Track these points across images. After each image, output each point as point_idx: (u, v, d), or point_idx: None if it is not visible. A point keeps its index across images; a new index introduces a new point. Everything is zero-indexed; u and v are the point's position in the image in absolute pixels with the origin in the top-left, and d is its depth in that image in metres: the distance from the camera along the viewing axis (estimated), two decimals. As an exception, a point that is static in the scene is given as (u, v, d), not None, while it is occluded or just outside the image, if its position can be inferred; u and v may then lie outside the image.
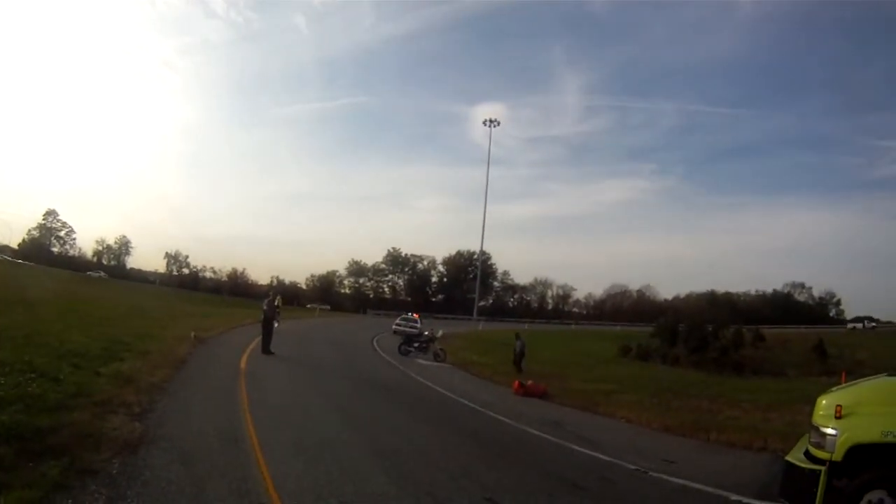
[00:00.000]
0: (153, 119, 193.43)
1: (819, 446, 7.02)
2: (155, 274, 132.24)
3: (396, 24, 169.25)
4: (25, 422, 7.76)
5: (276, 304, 23.82)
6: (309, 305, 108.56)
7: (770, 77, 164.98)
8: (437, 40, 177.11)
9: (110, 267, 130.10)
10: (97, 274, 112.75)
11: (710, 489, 9.09)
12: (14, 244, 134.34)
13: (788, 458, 7.52)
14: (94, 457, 7.17)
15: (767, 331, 59.59)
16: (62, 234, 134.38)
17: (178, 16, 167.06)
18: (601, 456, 11.26)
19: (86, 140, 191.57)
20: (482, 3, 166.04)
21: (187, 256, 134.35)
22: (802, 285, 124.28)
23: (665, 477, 9.83)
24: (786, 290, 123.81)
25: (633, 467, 10.42)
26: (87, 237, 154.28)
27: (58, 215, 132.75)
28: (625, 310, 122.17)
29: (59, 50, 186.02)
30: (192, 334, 23.36)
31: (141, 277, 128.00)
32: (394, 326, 47.03)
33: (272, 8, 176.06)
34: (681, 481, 9.55)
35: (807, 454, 7.27)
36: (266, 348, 22.03)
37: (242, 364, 18.54)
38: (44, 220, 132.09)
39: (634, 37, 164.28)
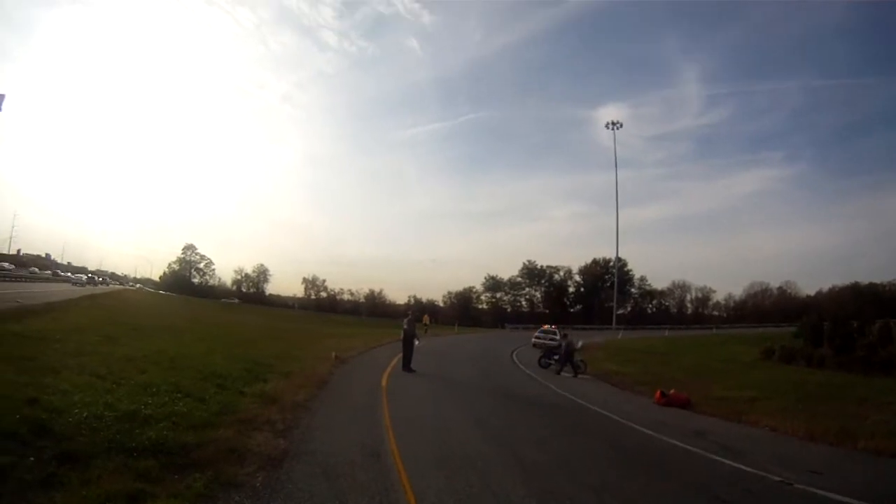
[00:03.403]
0: (280, 151, 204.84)
1: None
2: (293, 299, 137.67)
3: (507, 35, 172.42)
4: (172, 437, 8.06)
5: (424, 322, 23.95)
6: (224, 300, 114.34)
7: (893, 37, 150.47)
8: (549, 46, 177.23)
9: (249, 294, 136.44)
10: (232, 300, 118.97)
11: (857, 502, 8.55)
12: (155, 277, 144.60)
13: None
14: (238, 470, 7.37)
15: (917, 324, 55.48)
16: (201, 265, 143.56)
17: (291, 53, 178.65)
18: (744, 467, 10.69)
19: (220, 177, 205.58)
20: (588, 3, 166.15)
21: (324, 280, 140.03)
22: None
23: (811, 489, 9.29)
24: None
25: (777, 479, 9.86)
26: (226, 267, 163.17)
27: (196, 249, 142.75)
28: (766, 309, 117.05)
29: (188, 97, 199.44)
30: (333, 354, 23.82)
31: (280, 303, 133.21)
32: (533, 339, 46.34)
33: (384, 34, 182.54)
34: (827, 494, 9.03)
35: None
36: (407, 365, 22.13)
37: (384, 382, 18.69)
38: (183, 253, 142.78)
39: (746, 14, 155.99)
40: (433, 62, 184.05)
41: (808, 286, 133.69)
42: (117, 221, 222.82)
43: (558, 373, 27.04)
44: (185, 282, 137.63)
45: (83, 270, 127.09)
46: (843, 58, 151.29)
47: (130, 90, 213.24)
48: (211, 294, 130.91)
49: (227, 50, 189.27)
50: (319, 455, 8.85)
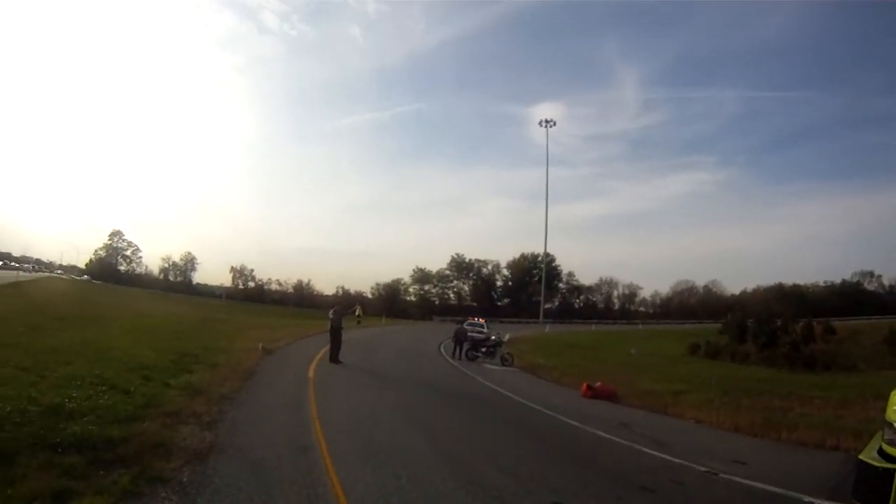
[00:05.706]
0: (214, 136, 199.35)
1: (893, 444, 6.66)
2: (221, 288, 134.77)
3: (449, 28, 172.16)
4: (97, 432, 7.90)
5: (357, 314, 23.81)
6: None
7: (828, 56, 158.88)
8: (490, 41, 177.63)
9: (177, 283, 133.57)
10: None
11: (781, 491, 8.83)
12: (81, 264, 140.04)
13: (861, 456, 7.15)
14: (164, 465, 7.25)
15: (837, 323, 57.70)
16: (128, 252, 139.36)
17: (231, 34, 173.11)
18: (670, 458, 10.98)
19: (150, 161, 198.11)
20: (532, 1, 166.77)
21: (252, 270, 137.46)
22: (871, 273, 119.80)
23: (736, 479, 9.57)
24: (855, 280, 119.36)
25: (703, 469, 10.16)
26: (154, 255, 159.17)
27: (123, 235, 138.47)
28: (692, 307, 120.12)
29: (120, 74, 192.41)
30: (260, 346, 23.61)
31: (207, 292, 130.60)
32: None
33: (326, 20, 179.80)
34: (752, 483, 9.30)
35: (880, 452, 6.90)
36: (334, 357, 22.08)
37: (310, 373, 18.61)
38: (110, 240, 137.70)
39: (688, 24, 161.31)
40: (374, 51, 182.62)
41: (734, 286, 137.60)
42: (41, 204, 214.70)
43: (452, 355, 29.25)
44: (112, 269, 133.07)
45: (6, 257, 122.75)
46: (779, 72, 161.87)
47: (58, 60, 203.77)
48: (138, 282, 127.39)
49: (166, 28, 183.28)
50: (246, 449, 8.77)
